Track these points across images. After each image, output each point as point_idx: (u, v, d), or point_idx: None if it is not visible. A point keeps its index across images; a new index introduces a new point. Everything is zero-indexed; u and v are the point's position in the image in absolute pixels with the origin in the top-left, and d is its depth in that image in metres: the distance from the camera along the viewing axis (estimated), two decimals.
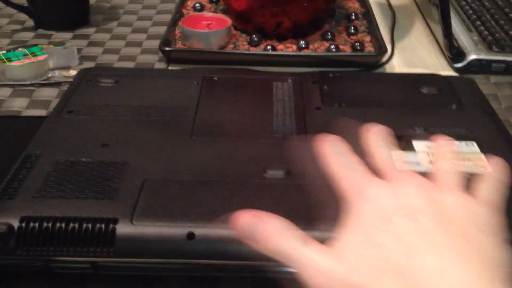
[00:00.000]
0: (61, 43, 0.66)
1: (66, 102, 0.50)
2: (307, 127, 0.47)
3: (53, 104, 0.55)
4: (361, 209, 0.32)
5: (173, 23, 0.70)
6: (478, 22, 0.71)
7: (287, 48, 0.66)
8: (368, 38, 0.68)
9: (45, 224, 0.36)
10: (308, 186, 0.39)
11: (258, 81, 0.55)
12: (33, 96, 0.59)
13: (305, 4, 0.65)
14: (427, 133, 0.46)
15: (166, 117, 0.48)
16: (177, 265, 0.36)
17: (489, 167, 0.42)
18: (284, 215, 0.37)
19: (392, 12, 0.79)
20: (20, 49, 0.63)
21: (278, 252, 0.31)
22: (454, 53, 0.64)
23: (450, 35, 0.64)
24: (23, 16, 0.75)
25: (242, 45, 0.67)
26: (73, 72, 0.61)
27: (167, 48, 0.64)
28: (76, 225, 0.36)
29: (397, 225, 0.30)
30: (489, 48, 0.65)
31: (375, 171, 0.35)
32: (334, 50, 0.65)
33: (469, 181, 0.40)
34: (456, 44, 0.66)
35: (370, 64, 0.65)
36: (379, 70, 0.65)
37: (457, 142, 0.45)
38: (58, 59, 0.63)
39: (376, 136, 0.39)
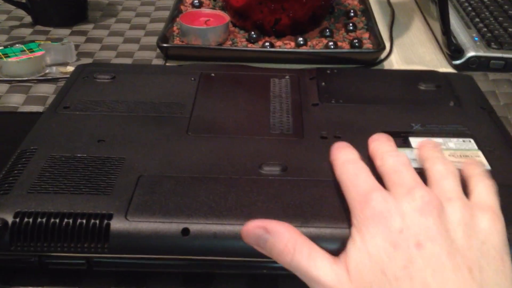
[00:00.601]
0: (59, 39, 0.66)
1: (62, 98, 0.50)
2: (304, 124, 0.47)
3: (50, 100, 0.55)
4: (368, 228, 0.32)
5: (171, 20, 0.70)
6: (477, 19, 0.71)
7: (285, 45, 0.66)
8: (366, 35, 0.68)
9: (39, 219, 0.36)
10: (304, 182, 0.39)
11: (255, 77, 0.54)
12: (30, 92, 0.59)
13: (304, 1, 0.65)
14: (425, 130, 0.46)
15: (162, 113, 0.48)
16: (172, 261, 0.36)
17: (487, 164, 0.42)
18: (279, 211, 0.37)
19: (391, 9, 0.79)
20: (17, 45, 0.63)
21: (286, 264, 0.32)
22: (452, 50, 0.64)
23: (448, 32, 0.64)
24: (21, 12, 0.75)
25: (240, 42, 0.67)
26: (70, 68, 0.61)
27: (164, 45, 0.64)
28: (71, 221, 0.36)
29: (403, 252, 0.30)
30: (488, 45, 0.64)
31: (383, 177, 0.35)
32: (332, 47, 0.65)
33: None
34: (454, 41, 0.65)
35: (369, 61, 0.64)
36: (378, 67, 0.65)
37: (454, 139, 0.45)
38: (56, 55, 0.63)
39: (384, 144, 0.39)
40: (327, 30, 0.68)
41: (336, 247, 0.35)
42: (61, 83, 0.59)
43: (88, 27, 0.73)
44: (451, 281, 0.29)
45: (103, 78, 0.53)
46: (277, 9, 0.65)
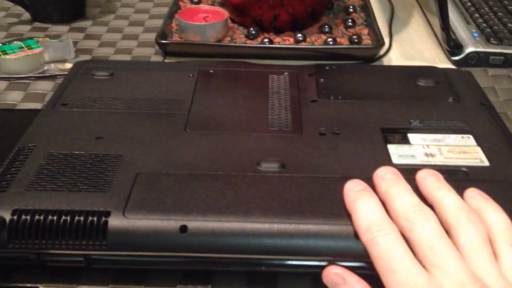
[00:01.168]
0: (57, 36, 0.66)
1: (60, 95, 0.50)
2: (302, 120, 0.47)
3: (49, 97, 0.55)
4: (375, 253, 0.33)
5: (170, 16, 0.69)
6: (476, 15, 0.70)
7: (284, 41, 0.66)
8: (366, 31, 0.68)
9: (37, 217, 0.36)
10: (303, 179, 0.39)
11: (254, 74, 0.54)
12: (29, 89, 0.59)
13: None
14: (424, 126, 0.46)
15: (160, 110, 0.48)
16: (170, 259, 0.36)
17: (486, 161, 0.42)
18: (278, 208, 0.37)
19: (390, 5, 0.79)
20: (15, 42, 0.63)
21: None
22: (451, 45, 0.64)
23: (447, 28, 0.64)
24: (19, 9, 0.75)
25: (239, 38, 0.66)
26: (68, 65, 0.61)
27: (163, 41, 0.64)
28: (68, 218, 0.36)
29: None
30: (487, 40, 0.64)
31: (412, 246, 0.33)
32: (331, 43, 0.65)
33: (466, 175, 0.40)
34: (453, 37, 0.65)
35: (368, 57, 0.64)
36: (377, 63, 0.64)
37: (453, 136, 0.45)
38: (54, 52, 0.63)
39: (394, 180, 0.37)
40: (326, 26, 0.68)
41: (335, 245, 0.35)
42: (60, 80, 0.58)
43: (86, 23, 0.73)
44: None
45: (101, 75, 0.53)
46: (276, 5, 0.65)
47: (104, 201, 0.37)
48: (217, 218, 0.36)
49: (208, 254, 0.35)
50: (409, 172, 0.38)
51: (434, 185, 0.37)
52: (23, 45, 0.62)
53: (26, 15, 0.74)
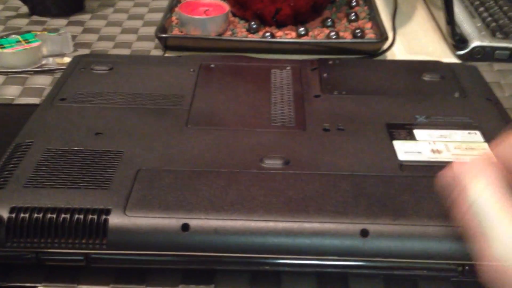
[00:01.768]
0: (55, 30, 0.65)
1: (59, 90, 0.49)
2: (306, 116, 0.46)
3: (47, 92, 0.54)
4: None
5: (170, 10, 0.68)
6: (482, 8, 0.69)
7: (286, 35, 0.65)
8: (369, 25, 0.67)
9: (35, 215, 0.35)
10: (307, 176, 0.38)
11: (256, 68, 0.53)
12: (26, 83, 0.58)
13: None
14: (430, 122, 0.45)
15: (161, 105, 0.47)
16: (172, 257, 0.35)
17: (493, 157, 0.41)
18: (282, 206, 0.36)
19: None
20: (13, 35, 0.62)
21: None
22: (456, 40, 0.63)
23: (452, 22, 0.63)
24: (17, 3, 0.74)
25: (240, 32, 0.66)
26: (67, 59, 0.60)
27: (163, 35, 0.63)
28: (68, 216, 0.35)
29: None
30: (493, 34, 0.63)
31: None
32: (334, 37, 0.64)
33: None
34: (458, 31, 0.64)
35: (371, 51, 0.63)
36: (380, 57, 0.63)
37: (460, 131, 0.44)
38: (52, 46, 0.62)
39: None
40: (329, 20, 0.67)
41: (339, 243, 0.34)
42: (58, 75, 0.58)
43: (85, 17, 0.72)
44: None
45: (100, 70, 0.52)
46: None
47: (104, 199, 0.36)
48: (220, 216, 0.35)
49: (211, 253, 0.35)
50: (415, 169, 0.37)
51: None
52: (20, 39, 0.61)
53: (24, 9, 0.73)
